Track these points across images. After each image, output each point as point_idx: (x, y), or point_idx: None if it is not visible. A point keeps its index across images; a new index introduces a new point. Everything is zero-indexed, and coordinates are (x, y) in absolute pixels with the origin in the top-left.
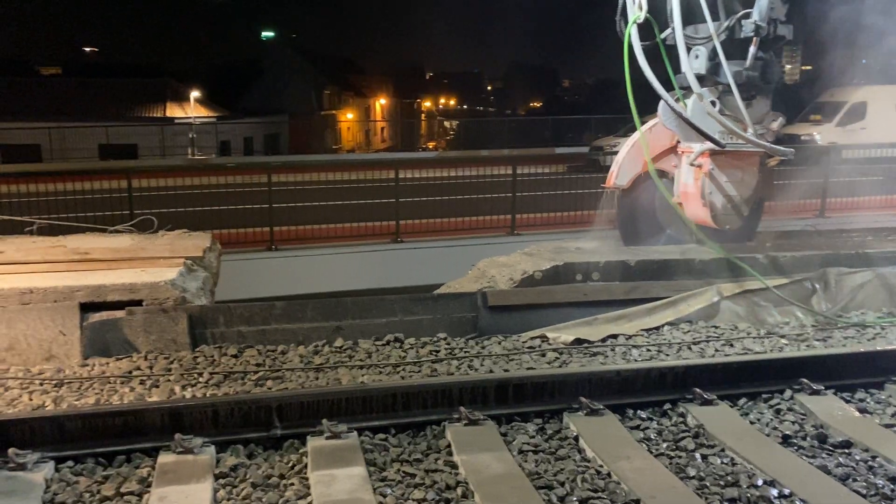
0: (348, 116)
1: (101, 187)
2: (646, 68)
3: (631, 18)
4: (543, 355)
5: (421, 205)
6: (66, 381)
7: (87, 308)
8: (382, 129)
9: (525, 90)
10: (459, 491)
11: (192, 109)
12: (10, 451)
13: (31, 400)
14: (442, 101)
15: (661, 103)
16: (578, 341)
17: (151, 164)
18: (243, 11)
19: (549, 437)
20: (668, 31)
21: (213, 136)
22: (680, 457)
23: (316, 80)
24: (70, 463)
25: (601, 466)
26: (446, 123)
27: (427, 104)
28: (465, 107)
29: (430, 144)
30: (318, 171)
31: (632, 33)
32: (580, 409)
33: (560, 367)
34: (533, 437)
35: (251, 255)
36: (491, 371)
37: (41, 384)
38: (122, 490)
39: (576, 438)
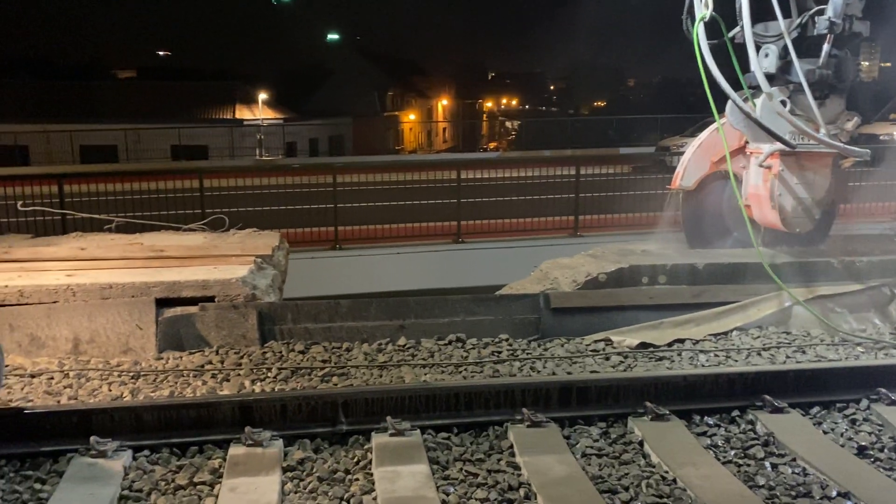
0: (410, 117)
1: (173, 187)
2: (713, 68)
3: (698, 17)
4: (607, 359)
5: (482, 205)
6: (142, 373)
7: (162, 303)
8: (444, 129)
9: (589, 89)
10: (522, 492)
11: (259, 112)
12: (92, 438)
13: (110, 390)
14: (504, 101)
15: (729, 103)
16: (644, 345)
17: (221, 165)
18: (310, 15)
19: (613, 442)
20: (737, 29)
21: (280, 138)
22: (748, 465)
23: (379, 81)
24: (146, 452)
25: (667, 472)
26: (508, 123)
27: (489, 104)
28: (527, 107)
29: (492, 145)
30: (381, 172)
31: (699, 32)
32: (645, 414)
33: (625, 371)
34: (596, 440)
35: (316, 254)
36: (553, 373)
37: (119, 376)
38: (195, 480)
39: (640, 443)
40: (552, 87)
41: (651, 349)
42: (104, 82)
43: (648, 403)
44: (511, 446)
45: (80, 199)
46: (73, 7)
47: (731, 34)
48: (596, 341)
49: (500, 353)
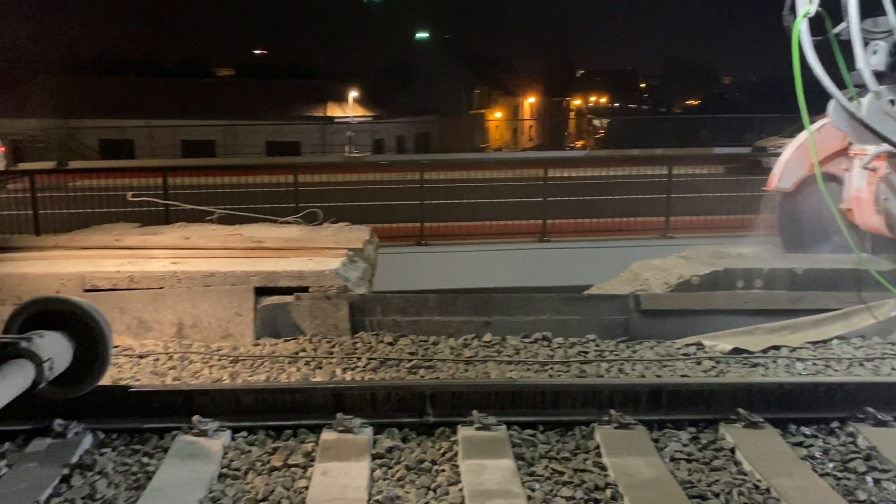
0: (496, 115)
1: (268, 181)
2: (816, 65)
3: (800, 12)
4: (699, 363)
5: (568, 204)
6: (240, 358)
7: (260, 292)
8: (530, 127)
9: (681, 87)
10: (609, 493)
11: (350, 109)
12: (195, 418)
13: (210, 373)
14: (592, 99)
15: (832, 102)
16: (737, 351)
17: (313, 161)
18: (401, 14)
19: (704, 447)
20: (843, 25)
21: (369, 135)
22: (848, 479)
23: (466, 79)
24: (244, 433)
25: (759, 481)
26: (596, 122)
27: (577, 102)
28: (616, 105)
29: (579, 143)
30: (466, 170)
31: (801, 28)
32: (738, 421)
33: (717, 376)
34: (686, 445)
35: (401, 250)
36: (642, 376)
37: (219, 359)
38: (290, 462)
39: (732, 450)
40: (643, 85)
41: (745, 355)
42: (205, 80)
43: (741, 410)
44: (597, 447)
45: (182, 192)
46: (177, 8)
47: (836, 30)
48: (687, 345)
49: (587, 353)
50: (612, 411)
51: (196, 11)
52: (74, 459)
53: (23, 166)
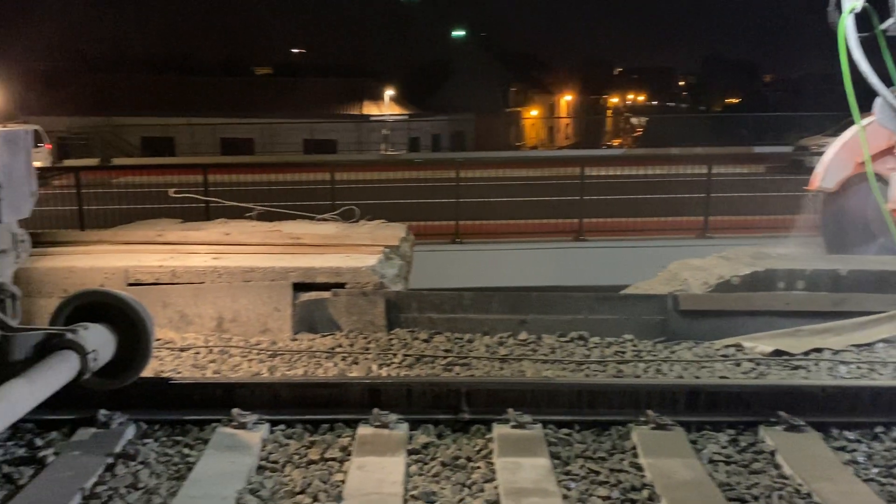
0: (532, 113)
1: (305, 179)
2: (862, 62)
3: (846, 8)
4: (738, 365)
5: (604, 203)
6: (278, 352)
7: (298, 288)
8: (567, 125)
9: (721, 85)
10: (646, 493)
11: (386, 107)
12: (234, 411)
13: (249, 367)
14: (630, 97)
15: (878, 100)
16: (778, 353)
17: (349, 159)
18: (437, 12)
19: (743, 450)
20: (890, 21)
21: (405, 133)
22: (893, 484)
23: (503, 77)
24: (282, 426)
25: (800, 485)
26: (633, 120)
27: (614, 100)
28: (654, 103)
29: (616, 142)
30: (502, 168)
31: (847, 24)
32: (778, 424)
33: (757, 378)
34: (725, 447)
35: (436, 247)
36: (680, 377)
37: (258, 354)
38: (326, 456)
39: (772, 453)
40: (681, 83)
41: (786, 357)
42: (243, 79)
43: (782, 413)
44: (634, 447)
45: (222, 188)
46: (216, 7)
47: (883, 26)
48: (726, 346)
49: (623, 353)
50: (650, 412)
51: (236, 11)
52: (118, 449)
53: (67, 163)
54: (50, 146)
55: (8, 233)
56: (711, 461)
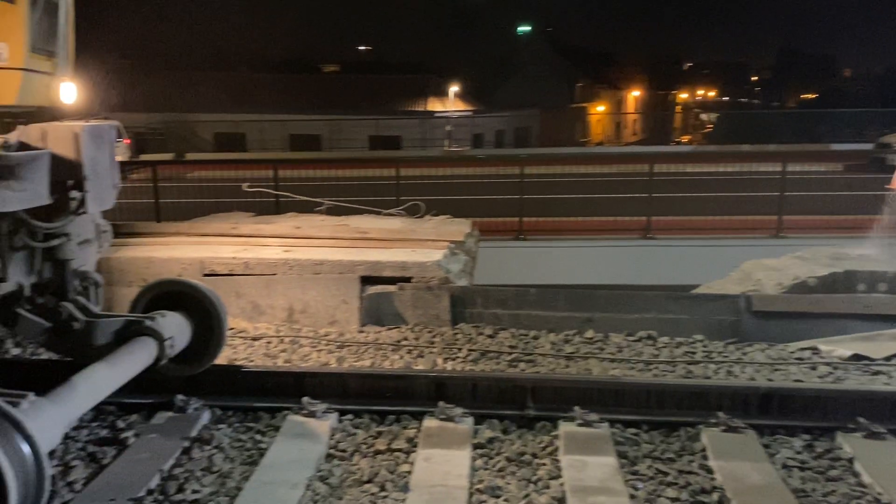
0: (599, 109)
1: (371, 174)
2: None
3: None
4: (814, 368)
5: (673, 201)
6: (346, 343)
7: (365, 281)
8: (634, 121)
9: (796, 80)
10: (715, 496)
11: (450, 104)
12: (304, 399)
13: (318, 357)
14: (700, 92)
15: None
16: (857, 357)
17: (414, 155)
18: (503, 8)
19: (819, 456)
20: None
21: (468, 129)
22: None
23: (569, 73)
24: (350, 416)
25: (881, 494)
26: (703, 116)
27: (683, 96)
28: (725, 98)
29: (685, 138)
30: (567, 164)
31: None
32: (857, 430)
33: (834, 382)
34: (799, 452)
35: (499, 244)
36: (753, 379)
37: (327, 344)
38: (393, 446)
39: (850, 460)
40: (754, 78)
41: (865, 362)
42: (311, 76)
43: (861, 419)
44: (704, 449)
45: (291, 183)
46: (286, 6)
47: None
48: (802, 349)
49: (693, 353)
50: (721, 414)
51: (305, 10)
52: (194, 433)
53: (144, 157)
54: (129, 141)
55: (92, 223)
56: (785, 466)
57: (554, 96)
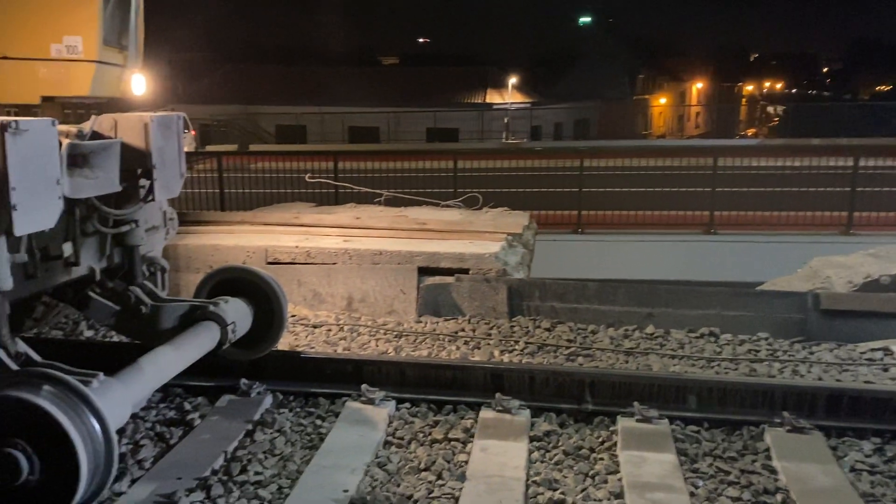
0: (661, 101)
1: (428, 167)
2: None
3: None
4: (886, 370)
5: (738, 195)
6: (404, 333)
7: (423, 272)
8: (697, 114)
9: (870, 71)
10: (779, 497)
11: (509, 96)
12: (363, 386)
13: (377, 346)
14: (767, 84)
15: None
16: None
17: (471, 147)
18: None
19: (890, 460)
20: None
21: (527, 121)
22: None
23: (630, 64)
24: (407, 405)
25: None
26: (770, 108)
27: (749, 88)
28: (793, 90)
29: (750, 131)
30: (628, 157)
31: None
32: None
33: None
34: (869, 455)
35: (557, 237)
36: (820, 379)
37: (385, 333)
38: (450, 436)
39: None
40: (825, 70)
41: None
42: (371, 68)
43: None
44: (767, 449)
45: (350, 175)
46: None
47: None
48: (872, 349)
49: (757, 351)
50: (786, 413)
51: (366, 3)
52: (257, 417)
53: (209, 148)
54: (194, 132)
55: (159, 211)
56: (854, 469)
57: (614, 88)
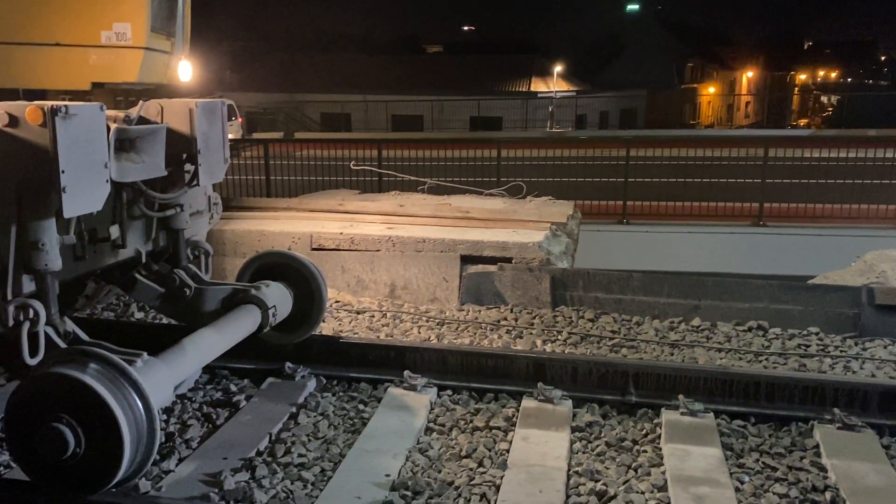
0: (710, 90)
1: (472, 155)
2: None
3: None
4: None
5: (788, 187)
6: (446, 321)
7: (465, 260)
8: (747, 104)
9: None
10: (828, 496)
11: (554, 84)
12: (406, 373)
13: (419, 333)
14: (821, 73)
15: None
16: None
17: (515, 136)
18: None
19: None
20: None
21: (572, 110)
22: None
23: (678, 53)
24: (449, 392)
25: None
26: (823, 98)
27: (802, 77)
28: (849, 80)
29: (802, 121)
30: (674, 147)
31: None
32: None
33: None
34: None
35: (602, 227)
36: (873, 375)
37: (427, 321)
38: (491, 424)
39: None
40: (883, 58)
41: None
42: (415, 56)
43: None
44: (816, 446)
45: (394, 163)
46: None
47: None
48: None
49: (807, 346)
50: (836, 410)
51: None
52: (301, 400)
53: (256, 136)
54: (242, 120)
55: (204, 195)
56: None
57: (662, 77)
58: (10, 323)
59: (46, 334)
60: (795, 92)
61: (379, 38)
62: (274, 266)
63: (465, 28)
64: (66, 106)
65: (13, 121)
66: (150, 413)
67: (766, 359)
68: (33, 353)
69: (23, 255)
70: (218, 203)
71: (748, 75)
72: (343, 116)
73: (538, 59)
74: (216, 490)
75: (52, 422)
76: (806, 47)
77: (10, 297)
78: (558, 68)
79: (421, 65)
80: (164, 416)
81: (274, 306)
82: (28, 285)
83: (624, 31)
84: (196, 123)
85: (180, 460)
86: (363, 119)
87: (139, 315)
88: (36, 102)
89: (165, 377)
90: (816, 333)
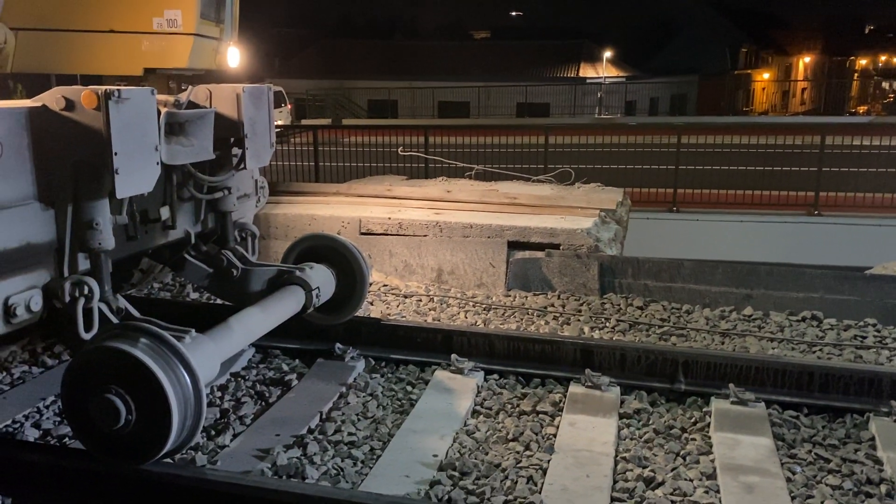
0: (764, 76)
1: (519, 142)
2: None
3: None
4: None
5: (846, 175)
6: (493, 306)
7: (512, 246)
8: (803, 90)
9: None
10: (883, 489)
11: (603, 70)
12: (453, 356)
13: (466, 318)
14: (883, 58)
15: None
16: None
17: (562, 122)
18: None
19: None
20: None
21: (621, 96)
22: None
23: (732, 37)
24: (496, 376)
25: None
26: (885, 84)
27: (863, 62)
28: None
29: (862, 109)
30: (726, 134)
31: None
32: None
33: None
34: None
35: (651, 215)
36: None
37: (473, 306)
38: (538, 409)
39: None
40: None
41: None
42: (462, 42)
43: None
44: (872, 438)
45: (441, 149)
46: None
47: None
48: None
49: (864, 337)
50: (894, 403)
51: None
52: (350, 380)
53: (305, 122)
54: (291, 106)
55: (251, 179)
56: None
57: (714, 62)
58: (67, 299)
59: (100, 310)
60: (855, 78)
61: (426, 25)
62: (318, 249)
63: (513, 13)
64: (118, 90)
65: (69, 105)
66: (196, 387)
67: (821, 349)
68: (88, 328)
69: (78, 234)
70: (265, 187)
71: (805, 61)
72: (390, 103)
73: (587, 45)
74: (269, 465)
75: (105, 393)
76: (867, 31)
77: (66, 273)
78: (608, 54)
79: (468, 51)
80: (219, 394)
81: (318, 288)
82: (83, 263)
83: (676, 16)
84: (243, 108)
85: (234, 436)
86: (410, 105)
87: (194, 296)
88: (91, 87)
89: (212, 353)
90: (874, 325)
